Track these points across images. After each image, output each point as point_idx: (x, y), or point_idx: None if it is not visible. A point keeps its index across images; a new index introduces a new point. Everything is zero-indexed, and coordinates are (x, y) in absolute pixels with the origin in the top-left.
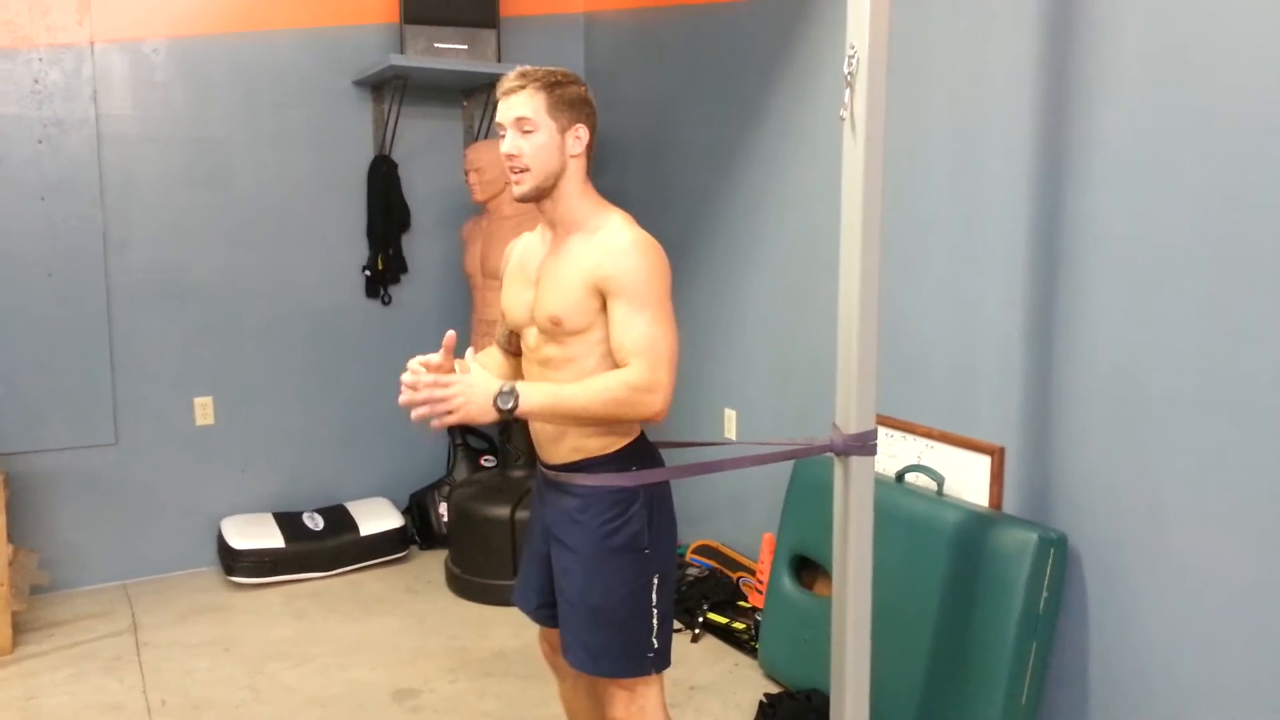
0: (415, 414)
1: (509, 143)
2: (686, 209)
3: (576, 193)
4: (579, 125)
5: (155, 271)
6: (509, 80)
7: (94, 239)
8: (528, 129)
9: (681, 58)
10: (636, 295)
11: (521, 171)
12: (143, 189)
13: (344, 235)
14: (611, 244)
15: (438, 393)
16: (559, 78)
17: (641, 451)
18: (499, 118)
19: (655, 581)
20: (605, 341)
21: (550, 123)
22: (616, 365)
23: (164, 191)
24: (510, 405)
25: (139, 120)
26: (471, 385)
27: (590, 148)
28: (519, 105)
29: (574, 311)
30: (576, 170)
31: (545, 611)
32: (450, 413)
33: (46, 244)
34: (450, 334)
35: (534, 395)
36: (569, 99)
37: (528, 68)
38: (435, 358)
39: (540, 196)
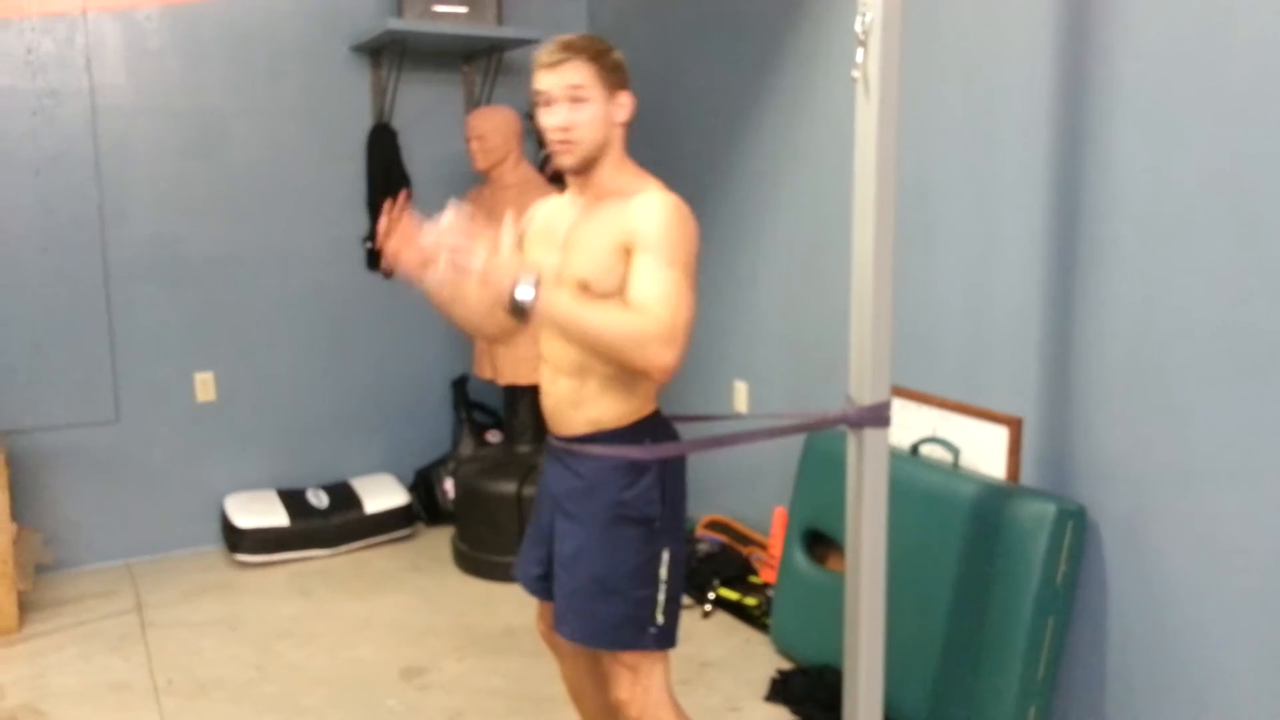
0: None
1: (560, 115)
2: (695, 175)
3: (615, 162)
4: (623, 93)
5: (153, 245)
6: (553, 52)
7: (90, 212)
8: (580, 98)
9: (689, 18)
10: (662, 252)
11: (568, 144)
12: (138, 161)
13: (344, 206)
14: (643, 203)
15: (466, 241)
16: (602, 45)
17: (656, 425)
18: (544, 85)
19: (665, 556)
20: None
21: (600, 91)
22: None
23: (160, 163)
24: (530, 296)
25: (133, 90)
26: (502, 253)
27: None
28: (570, 74)
29: (603, 273)
30: (618, 139)
31: (543, 584)
32: (467, 263)
33: (42, 218)
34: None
35: (557, 297)
36: (613, 66)
37: (569, 37)
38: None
39: (585, 168)
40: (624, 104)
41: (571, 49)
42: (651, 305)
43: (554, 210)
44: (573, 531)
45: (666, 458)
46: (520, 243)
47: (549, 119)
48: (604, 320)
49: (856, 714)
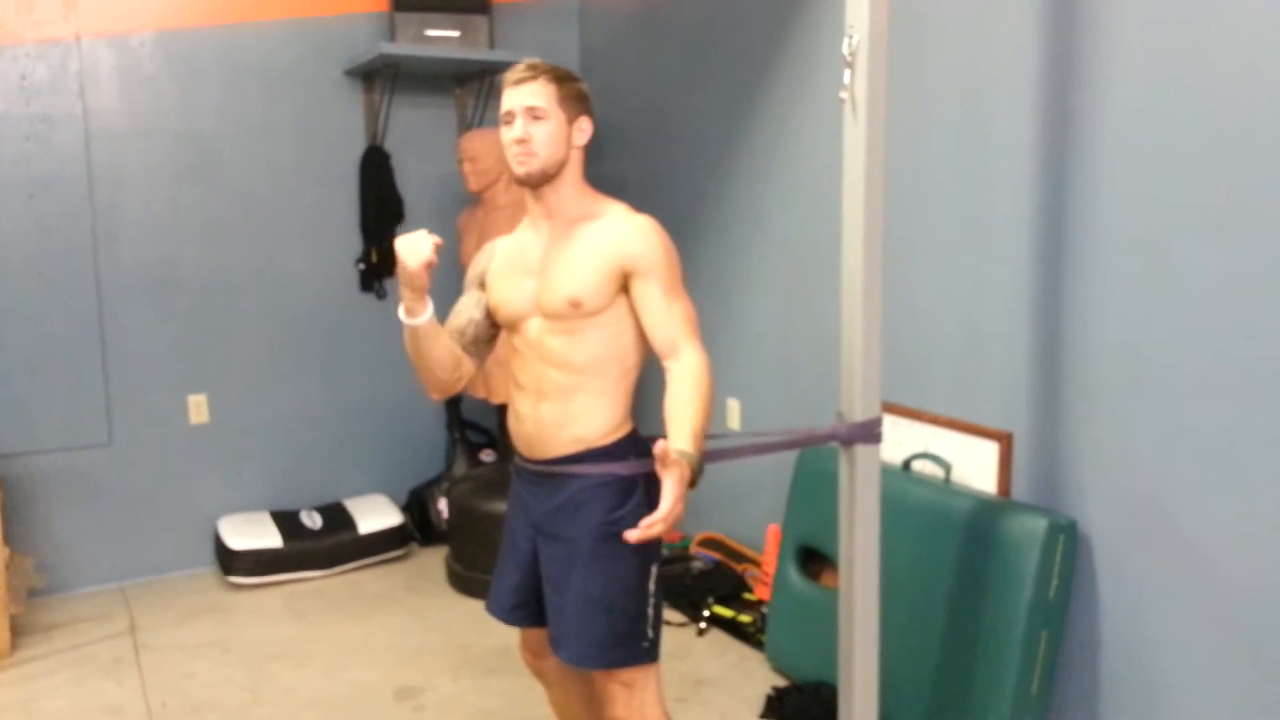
0: (651, 534)
1: (519, 128)
2: (685, 195)
3: (576, 183)
4: (583, 118)
5: (146, 268)
6: (519, 71)
7: (84, 236)
8: (538, 116)
9: (678, 41)
10: (665, 275)
11: (526, 155)
12: (132, 185)
13: (337, 228)
14: (628, 226)
15: (674, 515)
16: (565, 73)
17: (638, 442)
18: (507, 105)
19: (653, 570)
20: (614, 325)
21: (559, 113)
22: (656, 345)
23: (154, 187)
24: (701, 468)
25: (127, 115)
26: (680, 481)
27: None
28: (530, 94)
29: (595, 291)
30: (577, 161)
31: (520, 612)
32: (681, 514)
33: (36, 243)
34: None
35: (695, 444)
36: (575, 93)
37: (535, 60)
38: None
39: (541, 181)
40: (583, 129)
41: (535, 70)
42: (679, 335)
43: (519, 241)
44: (560, 553)
45: (650, 473)
46: (481, 283)
47: (509, 133)
48: (702, 401)
49: None
